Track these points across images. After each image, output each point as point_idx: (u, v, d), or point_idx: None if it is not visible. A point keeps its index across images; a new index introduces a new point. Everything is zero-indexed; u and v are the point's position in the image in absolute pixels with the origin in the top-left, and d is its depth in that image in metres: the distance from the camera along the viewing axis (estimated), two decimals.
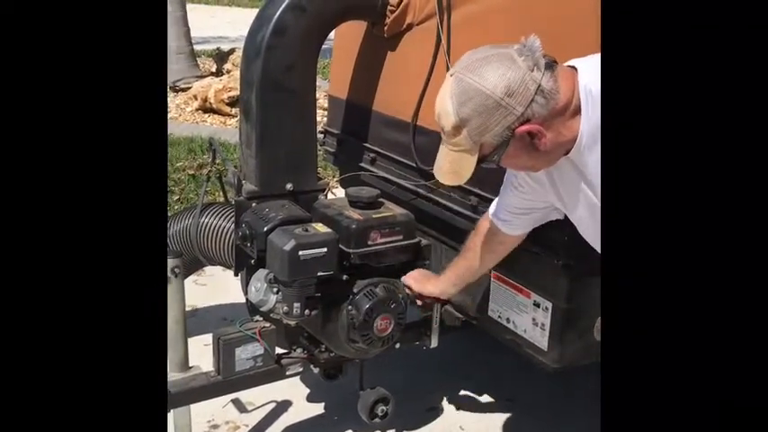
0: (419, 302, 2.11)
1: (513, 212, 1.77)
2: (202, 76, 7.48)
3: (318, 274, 1.92)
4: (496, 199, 1.84)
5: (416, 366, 2.79)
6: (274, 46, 2.06)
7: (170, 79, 7.41)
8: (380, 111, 2.44)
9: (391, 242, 2.04)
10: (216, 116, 6.58)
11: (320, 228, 1.97)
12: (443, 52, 2.11)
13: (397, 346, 2.24)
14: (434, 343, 2.35)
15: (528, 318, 2.02)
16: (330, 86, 2.79)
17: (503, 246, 1.88)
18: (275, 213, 2.03)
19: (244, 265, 2.15)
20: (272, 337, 2.08)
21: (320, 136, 2.76)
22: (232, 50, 7.81)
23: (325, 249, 1.92)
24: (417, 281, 2.07)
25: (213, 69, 8.00)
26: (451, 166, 1.42)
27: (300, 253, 1.88)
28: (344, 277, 2.00)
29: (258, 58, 2.06)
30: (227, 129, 6.28)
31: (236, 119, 6.38)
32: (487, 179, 2.04)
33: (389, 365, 2.51)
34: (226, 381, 2.05)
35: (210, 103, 6.56)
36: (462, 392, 2.74)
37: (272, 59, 2.07)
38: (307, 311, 1.95)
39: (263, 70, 2.06)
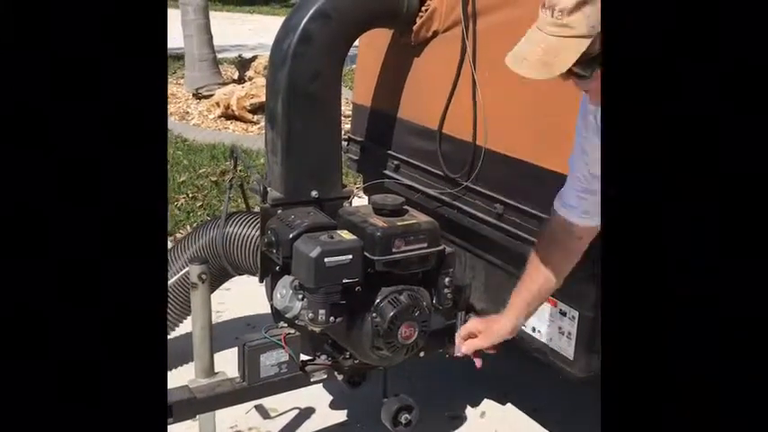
0: (492, 350, 1.87)
1: (586, 190, 1.56)
2: (225, 84, 7.54)
3: (344, 281, 1.93)
4: (560, 192, 1.66)
5: (440, 374, 2.78)
6: (300, 54, 2.07)
7: (193, 86, 7.50)
8: (405, 118, 2.45)
9: (415, 249, 2.03)
10: (238, 123, 6.63)
11: (345, 235, 1.98)
12: (469, 60, 2.11)
13: (422, 354, 2.24)
14: (458, 351, 2.35)
15: (554, 326, 2.01)
16: (354, 94, 2.80)
17: (581, 242, 1.64)
18: (301, 220, 2.04)
19: (269, 271, 2.16)
20: (296, 343, 2.09)
21: (344, 143, 2.77)
22: (254, 58, 7.87)
23: (350, 256, 1.92)
24: (483, 332, 1.84)
25: (235, 76, 8.07)
26: (546, 55, 1.22)
27: (326, 260, 1.89)
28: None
29: (284, 67, 2.08)
30: (249, 136, 6.32)
31: (258, 126, 6.42)
32: (514, 186, 2.04)
33: (413, 373, 2.50)
34: (251, 387, 2.05)
35: (233, 110, 6.61)
36: (486, 401, 2.73)
37: (297, 67, 2.08)
38: (332, 318, 1.95)
39: (289, 78, 2.08)
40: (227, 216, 2.49)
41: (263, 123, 6.37)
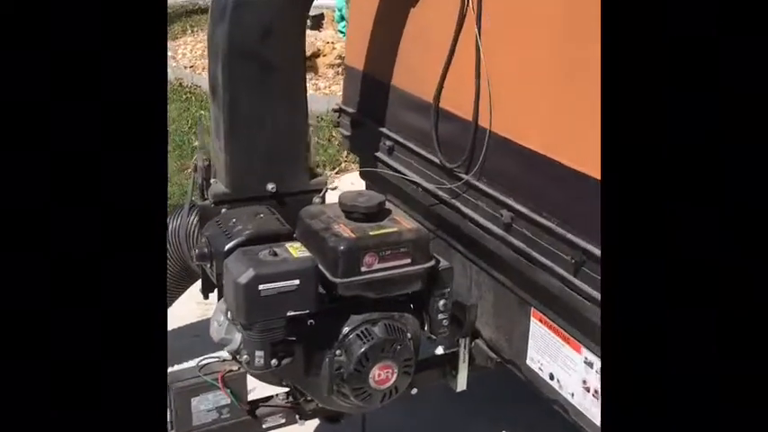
0: None
1: None
2: None
3: (288, 313, 1.43)
4: None
5: (440, 407, 2.27)
6: (243, 3, 1.55)
7: None
8: (399, 86, 1.91)
9: (394, 267, 1.53)
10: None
11: (294, 251, 1.48)
12: (473, 11, 1.55)
13: (414, 391, 1.76)
14: (462, 385, 1.87)
15: (577, 378, 1.48)
16: (347, 55, 2.25)
17: None
18: (243, 226, 1.56)
19: (210, 288, 1.69)
20: (242, 382, 1.62)
21: (335, 115, 2.25)
22: (321, 15, 7.27)
23: (296, 282, 1.42)
24: None
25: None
26: None
27: (261, 288, 1.40)
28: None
29: (223, 21, 1.57)
30: (317, 97, 5.61)
31: (325, 84, 5.80)
32: (524, 185, 1.49)
33: (408, 405, 2.01)
34: None
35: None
36: None
37: (240, 22, 1.56)
38: (274, 362, 1.47)
39: (230, 36, 1.57)
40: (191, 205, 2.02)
41: (335, 81, 5.77)
